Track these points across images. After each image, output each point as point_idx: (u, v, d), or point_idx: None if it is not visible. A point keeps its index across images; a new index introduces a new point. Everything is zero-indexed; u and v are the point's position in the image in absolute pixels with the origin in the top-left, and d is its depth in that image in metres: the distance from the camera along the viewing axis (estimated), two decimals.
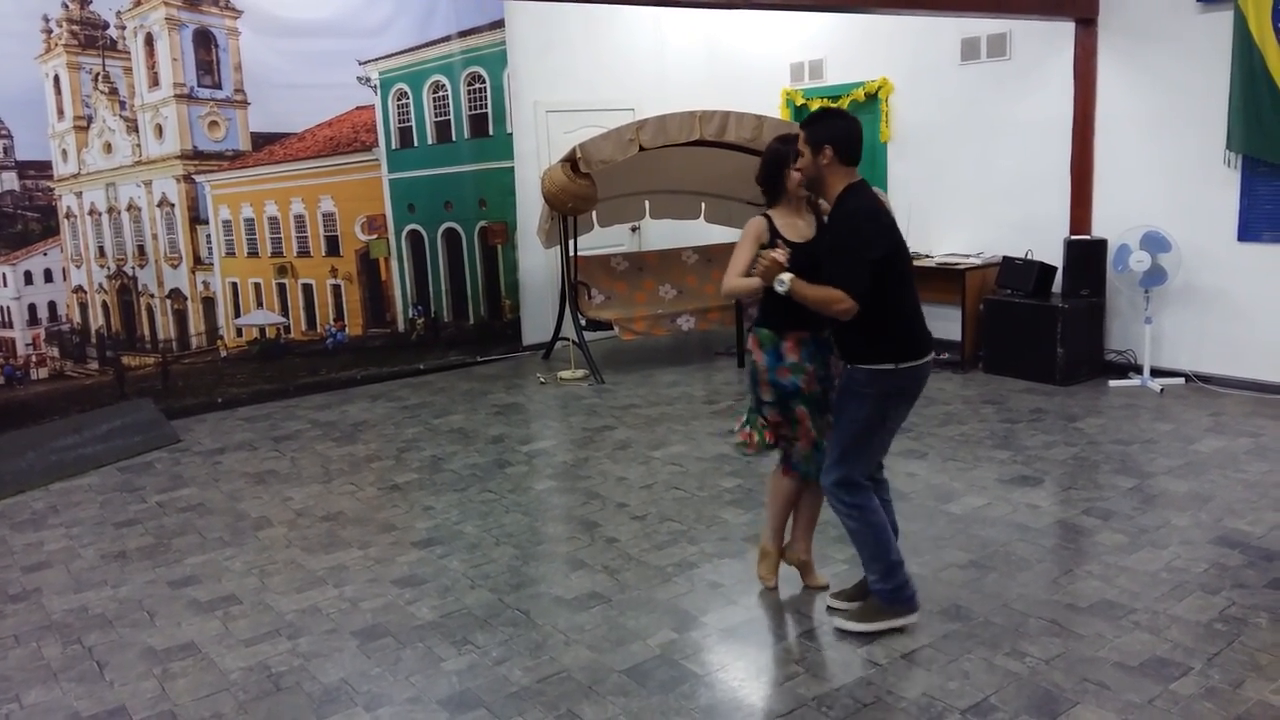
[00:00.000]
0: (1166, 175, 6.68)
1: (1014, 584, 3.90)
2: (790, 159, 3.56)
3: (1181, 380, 6.72)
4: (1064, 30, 7.00)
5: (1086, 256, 6.94)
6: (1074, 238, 7.04)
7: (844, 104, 8.55)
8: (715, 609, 3.81)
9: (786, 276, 3.39)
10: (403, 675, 3.42)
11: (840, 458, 3.50)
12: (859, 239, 3.34)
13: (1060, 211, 7.21)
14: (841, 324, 3.40)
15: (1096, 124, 7.01)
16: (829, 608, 3.74)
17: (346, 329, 7.97)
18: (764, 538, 4.01)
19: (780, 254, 3.43)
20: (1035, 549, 4.22)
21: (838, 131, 3.42)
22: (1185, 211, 6.56)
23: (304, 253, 7.77)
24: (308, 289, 7.80)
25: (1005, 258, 7.39)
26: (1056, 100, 7.16)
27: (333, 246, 7.87)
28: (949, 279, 7.60)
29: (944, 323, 8.07)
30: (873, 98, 8.39)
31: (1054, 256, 7.13)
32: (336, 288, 7.91)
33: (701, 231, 9.36)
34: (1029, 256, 7.22)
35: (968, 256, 7.75)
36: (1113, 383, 6.81)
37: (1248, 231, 6.36)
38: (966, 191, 7.91)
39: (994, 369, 7.26)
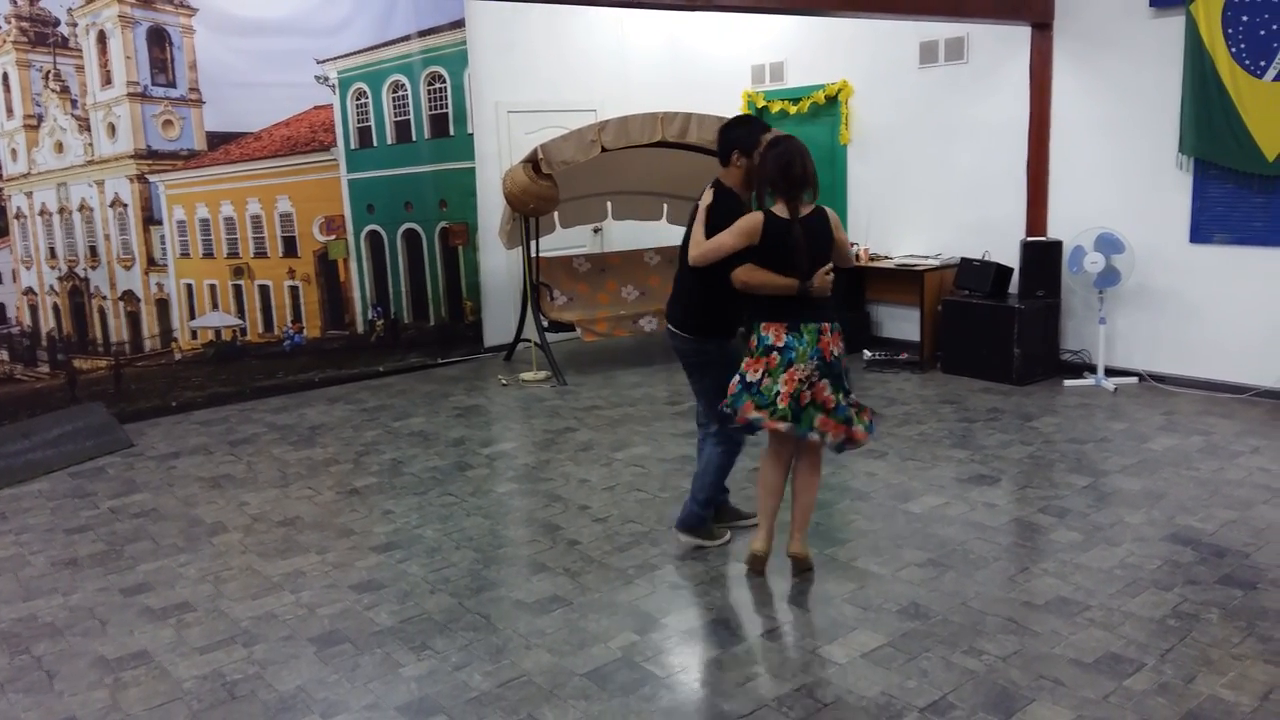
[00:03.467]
0: (1120, 178, 6.79)
1: (971, 582, 3.94)
2: None
3: (1135, 379, 6.84)
4: (1020, 34, 7.10)
5: (1042, 258, 7.04)
6: (1030, 239, 7.13)
7: (804, 106, 8.60)
8: (676, 610, 3.81)
9: None
10: (361, 682, 3.38)
11: None
12: None
13: (1017, 213, 7.31)
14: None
15: (1052, 127, 7.11)
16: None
17: (304, 331, 7.88)
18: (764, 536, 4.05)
19: None
20: (992, 547, 4.27)
21: None
22: (1138, 213, 6.67)
23: (261, 254, 7.66)
24: (265, 290, 7.70)
25: (963, 259, 7.47)
26: (1013, 103, 7.25)
27: (290, 247, 7.78)
28: (908, 280, 7.67)
29: (903, 323, 8.17)
30: (833, 100, 8.45)
31: (1010, 258, 7.22)
32: (294, 289, 7.82)
33: (664, 233, 9.36)
34: (986, 258, 7.31)
35: (926, 258, 7.83)
36: (1068, 382, 6.91)
37: (1199, 233, 6.48)
38: (925, 193, 7.99)
39: (952, 369, 7.34)
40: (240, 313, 7.61)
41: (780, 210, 3.78)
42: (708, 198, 3.99)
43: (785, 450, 3.99)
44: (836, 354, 3.83)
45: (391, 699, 3.27)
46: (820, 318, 3.81)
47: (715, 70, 9.32)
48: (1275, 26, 5.90)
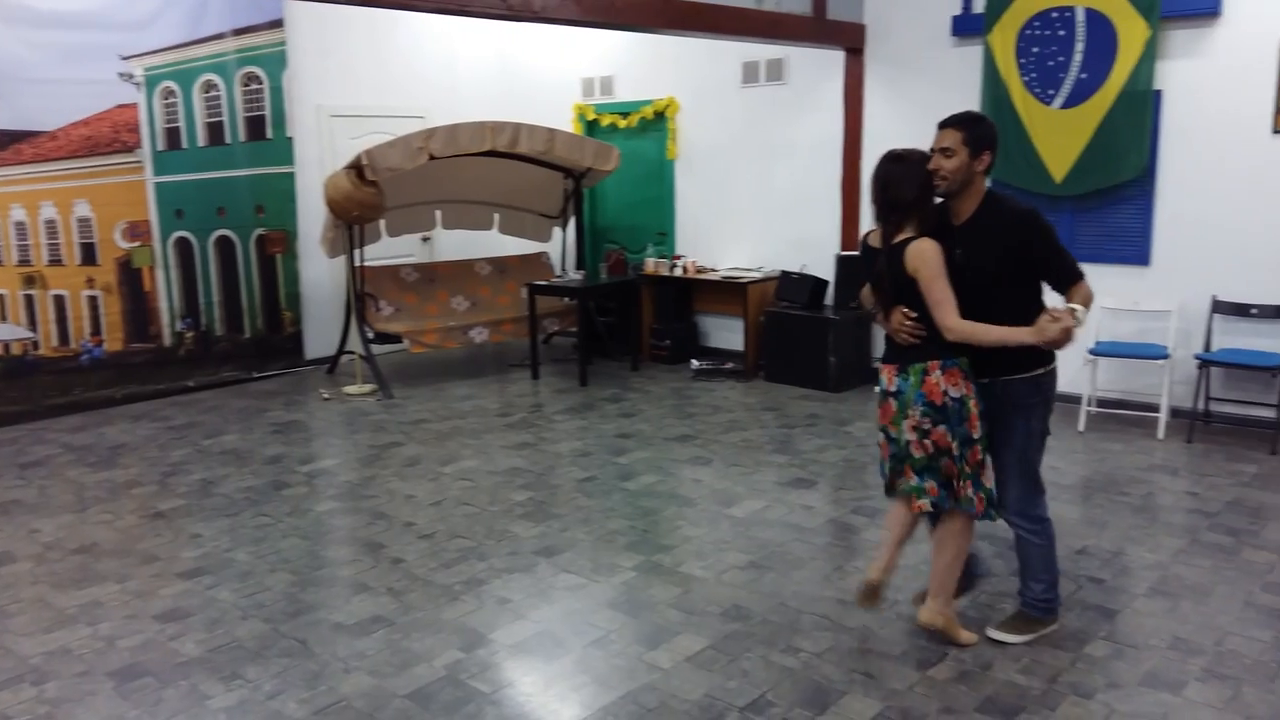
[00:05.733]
0: None
1: (790, 582, 4.08)
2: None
3: None
4: (835, 58, 7.44)
5: (855, 271, 7.35)
6: (844, 253, 7.47)
7: (633, 121, 8.73)
8: (504, 625, 3.77)
9: (1079, 310, 3.17)
10: (164, 716, 3.18)
11: (1024, 475, 3.41)
12: (1057, 238, 3.33)
13: (832, 228, 7.64)
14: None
15: (864, 146, 7.47)
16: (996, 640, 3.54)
17: (105, 344, 7.36)
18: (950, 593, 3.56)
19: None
20: (809, 548, 4.43)
21: (995, 137, 3.37)
22: None
23: (56, 261, 7.12)
24: (60, 301, 7.16)
25: (783, 272, 7.74)
26: (829, 123, 7.58)
27: (89, 254, 7.26)
28: (732, 292, 7.89)
29: (728, 334, 8.39)
30: (660, 116, 8.61)
31: (827, 271, 7.54)
32: (93, 299, 7.30)
33: (495, 242, 9.29)
34: (804, 271, 7.60)
35: (749, 270, 8.07)
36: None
37: None
38: (748, 208, 8.24)
39: (774, 377, 7.60)
40: (32, 325, 7.03)
41: (874, 235, 3.44)
42: None
43: None
44: (954, 396, 3.29)
45: None
46: (924, 356, 3.31)
47: (545, 82, 9.33)
48: (1062, 59, 6.40)
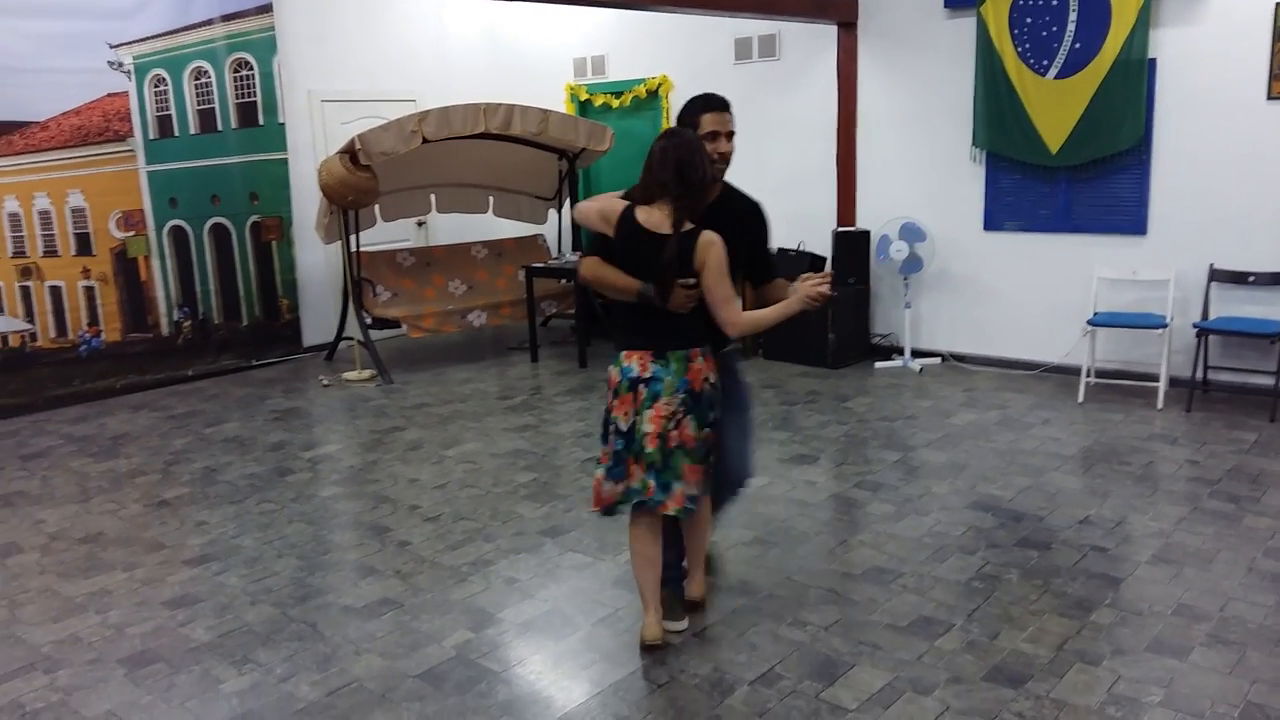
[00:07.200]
0: (921, 169, 7.20)
1: (795, 557, 4.10)
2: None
3: (938, 360, 7.28)
4: (828, 33, 7.40)
5: (852, 247, 7.38)
6: (840, 229, 7.47)
7: (626, 100, 8.69)
8: (512, 605, 3.79)
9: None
10: (177, 701, 3.20)
11: (752, 433, 3.52)
12: None
13: (829, 204, 7.63)
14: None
15: (859, 122, 7.46)
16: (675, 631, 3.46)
17: (103, 334, 7.35)
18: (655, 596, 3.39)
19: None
20: (813, 522, 4.45)
21: None
22: (938, 203, 7.10)
23: (51, 252, 7.10)
24: (56, 292, 7.14)
25: (779, 249, 7.73)
26: (823, 99, 7.55)
27: (84, 245, 7.24)
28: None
29: None
30: (654, 94, 8.57)
31: (824, 247, 7.54)
32: (90, 290, 7.28)
33: (491, 226, 9.27)
34: (801, 248, 7.60)
35: None
36: (878, 364, 7.28)
37: (992, 221, 6.96)
38: (744, 186, 8.18)
39: (773, 355, 7.61)
40: (29, 316, 7.02)
41: (652, 217, 3.12)
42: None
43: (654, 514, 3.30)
44: (712, 381, 3.21)
45: (211, 717, 3.11)
46: (688, 343, 3.18)
47: (537, 62, 9.29)
48: (1055, 28, 6.38)
